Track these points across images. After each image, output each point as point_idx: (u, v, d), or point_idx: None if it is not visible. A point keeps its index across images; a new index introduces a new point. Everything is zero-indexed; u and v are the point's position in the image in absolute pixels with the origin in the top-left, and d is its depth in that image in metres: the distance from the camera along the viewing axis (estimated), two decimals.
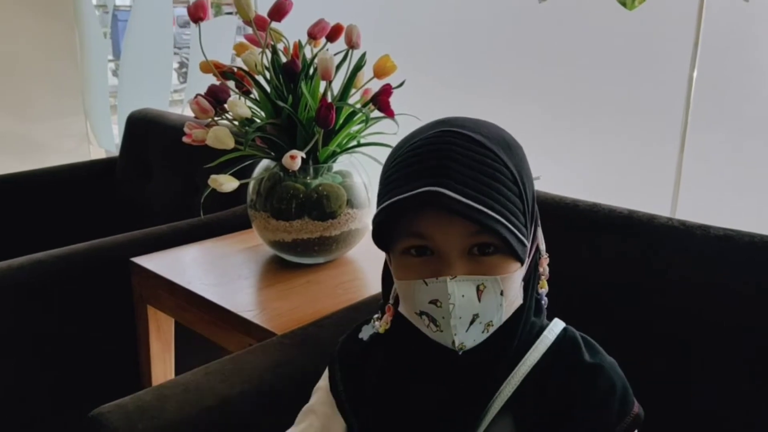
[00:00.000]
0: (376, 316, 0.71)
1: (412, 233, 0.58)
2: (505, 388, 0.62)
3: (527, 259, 0.61)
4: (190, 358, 1.16)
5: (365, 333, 0.71)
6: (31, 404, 1.25)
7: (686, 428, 0.89)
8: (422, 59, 1.58)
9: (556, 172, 1.40)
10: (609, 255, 0.98)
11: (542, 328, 0.65)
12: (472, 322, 0.58)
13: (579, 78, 1.36)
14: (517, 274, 0.59)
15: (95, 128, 2.48)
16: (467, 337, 0.58)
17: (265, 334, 1.02)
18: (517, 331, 0.62)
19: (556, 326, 0.66)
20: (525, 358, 0.62)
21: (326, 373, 0.73)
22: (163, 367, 1.32)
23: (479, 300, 0.57)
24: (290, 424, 0.83)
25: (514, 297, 0.61)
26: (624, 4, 1.18)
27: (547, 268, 0.68)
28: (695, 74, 1.14)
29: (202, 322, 1.16)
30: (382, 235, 0.61)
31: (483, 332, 0.59)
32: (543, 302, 0.69)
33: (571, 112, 1.36)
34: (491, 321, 0.59)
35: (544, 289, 0.68)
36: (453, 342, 0.58)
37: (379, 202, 0.60)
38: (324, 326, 1.00)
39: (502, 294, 0.58)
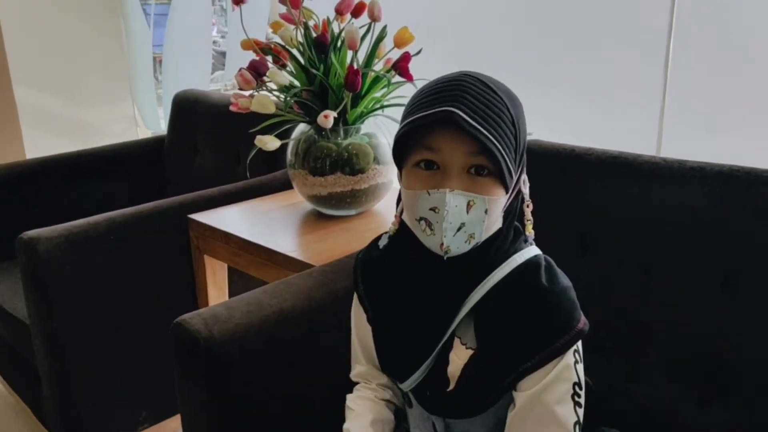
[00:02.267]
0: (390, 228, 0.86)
1: (426, 146, 0.72)
2: (473, 296, 0.76)
3: (511, 190, 0.74)
4: None
5: (382, 241, 0.87)
6: (114, 331, 1.46)
7: (664, 333, 1.04)
8: (437, 29, 1.75)
9: (561, 124, 1.55)
10: (602, 190, 1.13)
11: (514, 252, 0.78)
12: (458, 229, 0.72)
13: (572, 39, 1.51)
14: (501, 199, 0.73)
15: (142, 111, 2.70)
16: (453, 242, 0.72)
17: (307, 268, 1.20)
18: (492, 251, 0.76)
19: (528, 252, 0.79)
20: (492, 275, 0.76)
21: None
22: None
23: (467, 212, 0.71)
24: (331, 328, 1.02)
25: (495, 220, 0.75)
26: None
27: (530, 214, 0.80)
28: (673, 23, 1.28)
29: (252, 264, 1.35)
30: (399, 151, 0.75)
31: (466, 242, 0.73)
32: (528, 239, 0.80)
33: (568, 71, 1.51)
34: (474, 233, 0.73)
35: (530, 233, 0.80)
36: (441, 244, 0.72)
37: (401, 124, 0.74)
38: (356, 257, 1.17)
39: (486, 212, 0.72)
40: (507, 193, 0.74)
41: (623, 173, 1.12)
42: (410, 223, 0.76)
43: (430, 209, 0.72)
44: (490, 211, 0.72)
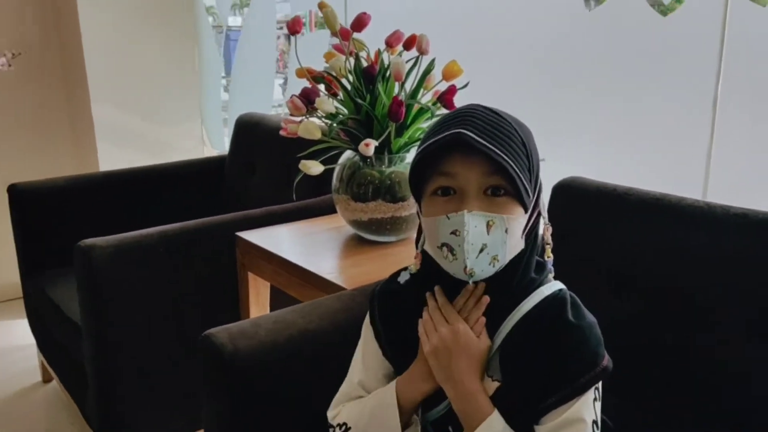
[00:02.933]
0: (410, 265, 0.87)
1: (441, 173, 0.73)
2: (502, 330, 0.76)
3: (530, 209, 0.75)
4: None
5: (402, 277, 0.88)
6: (158, 339, 1.53)
7: (698, 381, 1.00)
8: (485, 64, 1.76)
9: (608, 163, 1.53)
10: (643, 231, 1.11)
11: (540, 284, 0.78)
12: (481, 251, 0.72)
13: (619, 78, 1.49)
14: (520, 218, 0.73)
15: (209, 132, 2.83)
16: (476, 264, 0.72)
17: (341, 291, 1.23)
18: (518, 272, 0.76)
19: (554, 286, 0.79)
20: (519, 307, 0.76)
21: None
22: None
23: (488, 233, 0.71)
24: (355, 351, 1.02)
25: (517, 241, 0.75)
26: (663, 13, 1.31)
27: (550, 238, 0.81)
28: (722, 65, 1.24)
29: (291, 284, 1.38)
30: (417, 184, 0.77)
31: (489, 264, 0.73)
32: (549, 268, 0.81)
33: (615, 110, 1.49)
34: (497, 255, 0.73)
35: (550, 258, 0.81)
36: (465, 267, 0.72)
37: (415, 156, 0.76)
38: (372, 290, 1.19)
39: (506, 232, 0.72)
40: (526, 212, 0.74)
41: (665, 215, 1.10)
42: (433, 252, 0.77)
43: (451, 233, 0.72)
44: (510, 231, 0.73)
